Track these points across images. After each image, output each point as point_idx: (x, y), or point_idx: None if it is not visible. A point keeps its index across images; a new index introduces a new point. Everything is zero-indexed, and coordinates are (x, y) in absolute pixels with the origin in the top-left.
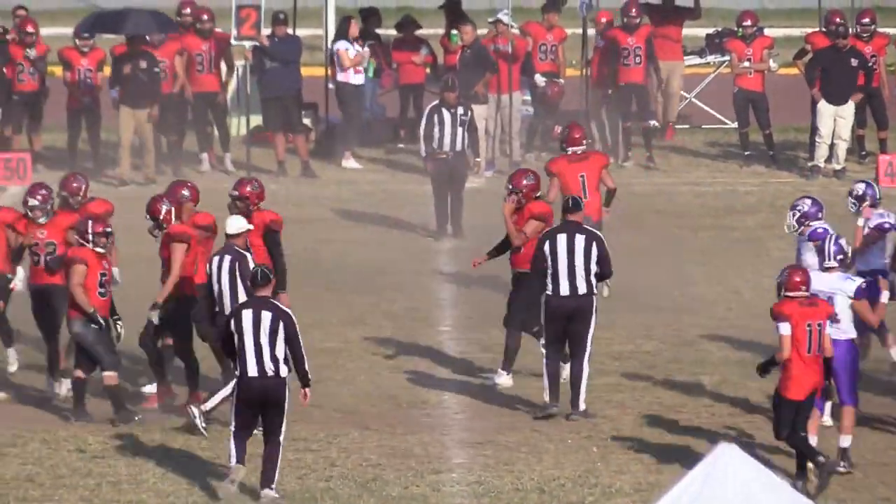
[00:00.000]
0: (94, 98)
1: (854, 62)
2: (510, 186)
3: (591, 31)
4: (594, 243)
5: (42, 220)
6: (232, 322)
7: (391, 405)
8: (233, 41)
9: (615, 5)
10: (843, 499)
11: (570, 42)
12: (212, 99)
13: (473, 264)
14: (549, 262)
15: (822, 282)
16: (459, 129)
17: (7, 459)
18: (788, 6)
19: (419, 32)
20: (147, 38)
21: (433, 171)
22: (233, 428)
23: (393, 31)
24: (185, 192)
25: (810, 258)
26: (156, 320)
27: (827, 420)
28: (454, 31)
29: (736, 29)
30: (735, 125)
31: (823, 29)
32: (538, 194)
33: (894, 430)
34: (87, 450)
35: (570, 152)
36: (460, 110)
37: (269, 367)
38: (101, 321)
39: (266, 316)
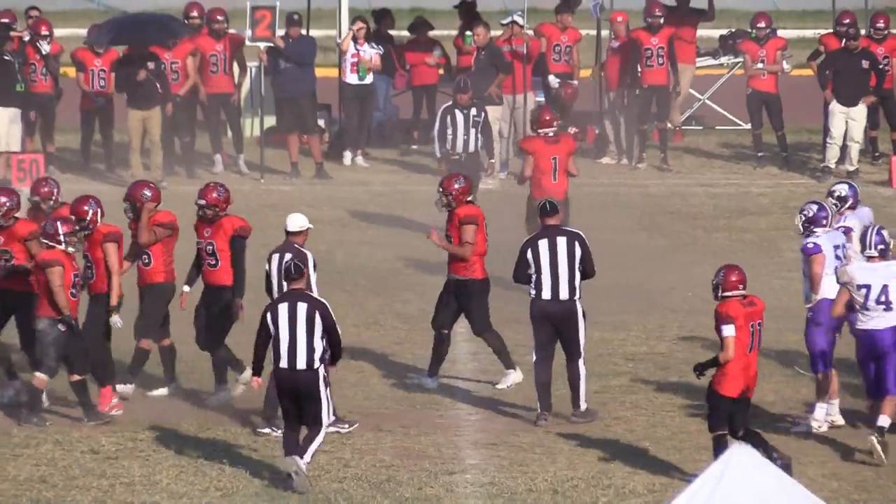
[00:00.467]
0: (108, 99)
1: (865, 64)
2: (440, 189)
3: (604, 33)
4: (576, 243)
5: None
6: (268, 315)
7: (405, 406)
8: (248, 42)
9: (627, 6)
10: (856, 500)
11: (583, 43)
12: (225, 100)
13: (428, 236)
14: (533, 268)
15: (873, 272)
16: (472, 131)
17: (20, 460)
18: (801, 7)
19: (432, 34)
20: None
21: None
22: (283, 423)
23: (406, 33)
24: (147, 192)
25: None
26: (120, 324)
27: (838, 419)
28: (468, 33)
29: (750, 31)
30: (748, 126)
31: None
32: (469, 198)
33: None
34: (100, 451)
35: (541, 134)
36: (473, 111)
37: (302, 360)
38: (73, 323)
39: (302, 308)
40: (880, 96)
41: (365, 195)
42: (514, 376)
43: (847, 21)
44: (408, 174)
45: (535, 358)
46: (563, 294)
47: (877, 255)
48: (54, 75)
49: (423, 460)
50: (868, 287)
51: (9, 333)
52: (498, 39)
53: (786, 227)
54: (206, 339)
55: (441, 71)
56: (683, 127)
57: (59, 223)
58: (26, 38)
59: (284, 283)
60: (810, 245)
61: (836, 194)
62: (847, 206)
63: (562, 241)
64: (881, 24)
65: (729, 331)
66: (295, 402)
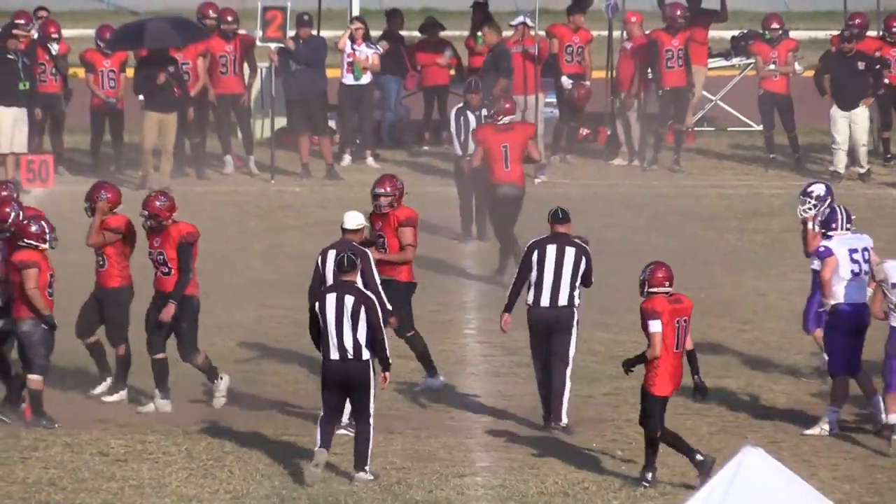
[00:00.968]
0: (118, 100)
1: (861, 65)
2: (376, 191)
3: (616, 33)
4: (583, 258)
5: None
6: (317, 306)
7: (415, 408)
8: (258, 43)
9: (640, 6)
10: (868, 502)
11: (595, 44)
12: (235, 101)
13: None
14: (535, 272)
15: None
16: None
17: (29, 463)
18: (813, 8)
19: (443, 34)
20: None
21: (466, 173)
22: (321, 413)
23: (417, 33)
24: (105, 194)
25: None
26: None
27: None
28: (479, 34)
29: (763, 32)
30: (760, 128)
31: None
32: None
33: None
34: (109, 453)
35: (498, 122)
36: (484, 112)
37: (349, 350)
38: (54, 322)
39: (349, 300)
40: (892, 97)
41: None
42: (436, 383)
43: (857, 22)
44: (419, 175)
45: (534, 368)
46: (562, 301)
47: None
48: (63, 76)
49: (433, 462)
50: None
51: None
52: (508, 40)
53: (797, 229)
54: (182, 350)
55: (452, 72)
56: (695, 128)
57: (44, 223)
58: (35, 38)
59: (336, 275)
60: (821, 248)
61: (815, 194)
62: (826, 205)
63: (570, 252)
64: None
65: (655, 327)
66: (343, 393)
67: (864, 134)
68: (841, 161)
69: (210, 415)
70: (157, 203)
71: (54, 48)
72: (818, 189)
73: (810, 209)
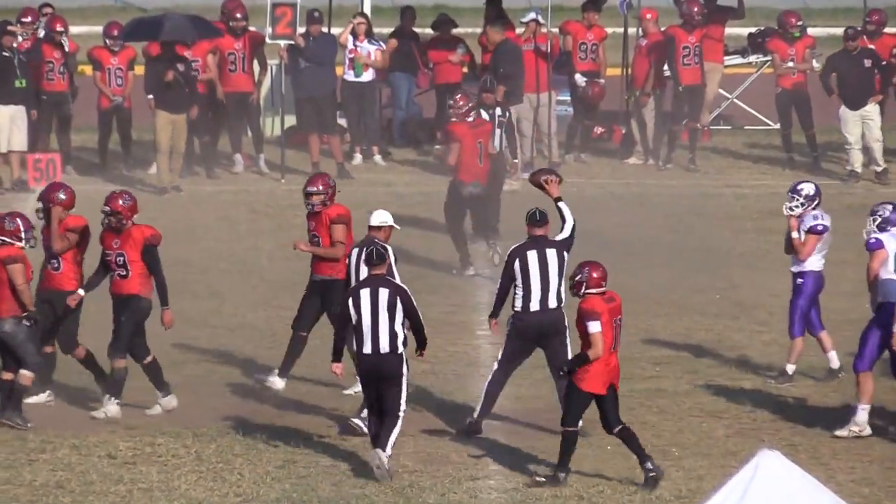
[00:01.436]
0: (125, 98)
1: (868, 63)
2: (308, 190)
3: (631, 30)
4: (565, 253)
5: None
6: (350, 301)
7: (427, 410)
8: (268, 40)
9: (655, 3)
10: None
11: (609, 41)
12: (245, 99)
13: (295, 246)
14: (520, 279)
15: None
16: (498, 130)
17: (37, 465)
18: (832, 5)
19: (455, 31)
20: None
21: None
22: (365, 412)
23: (429, 30)
24: (61, 195)
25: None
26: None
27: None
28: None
29: (786, 31)
30: (777, 126)
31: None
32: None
33: None
34: (117, 456)
35: (468, 120)
36: (498, 111)
37: (384, 344)
38: (38, 318)
39: (383, 293)
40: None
41: (387, 195)
42: (279, 383)
43: (874, 18)
44: (430, 174)
45: (496, 367)
46: (552, 303)
47: None
48: (70, 73)
49: (446, 466)
50: None
51: None
52: (520, 38)
53: None
54: (133, 350)
55: (465, 69)
56: (711, 127)
57: (19, 220)
58: (41, 35)
59: (364, 270)
60: (872, 240)
61: (804, 193)
62: (815, 204)
63: (551, 254)
64: None
65: (595, 327)
66: (377, 388)
67: (878, 131)
68: (857, 160)
69: (219, 417)
70: (121, 202)
71: (66, 43)
72: (808, 188)
73: (797, 207)
